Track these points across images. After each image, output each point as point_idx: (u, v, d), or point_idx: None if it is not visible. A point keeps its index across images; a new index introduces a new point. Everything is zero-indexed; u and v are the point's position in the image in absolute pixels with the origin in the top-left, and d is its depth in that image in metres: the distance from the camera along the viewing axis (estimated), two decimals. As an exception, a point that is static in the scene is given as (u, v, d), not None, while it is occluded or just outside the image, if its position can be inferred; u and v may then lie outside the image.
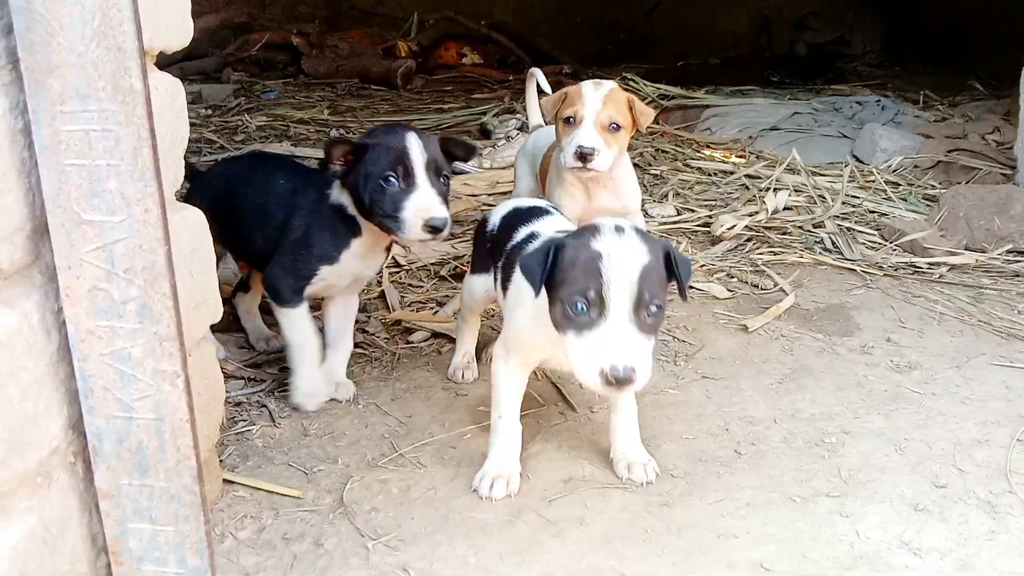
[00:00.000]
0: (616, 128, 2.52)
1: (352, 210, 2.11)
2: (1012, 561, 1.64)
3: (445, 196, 2.04)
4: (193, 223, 1.54)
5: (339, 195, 2.13)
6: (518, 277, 1.82)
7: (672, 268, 1.66)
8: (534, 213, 2.15)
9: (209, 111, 5.70)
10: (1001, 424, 2.10)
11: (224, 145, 4.82)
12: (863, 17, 8.52)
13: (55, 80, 1.03)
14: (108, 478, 1.20)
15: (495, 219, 2.22)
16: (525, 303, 1.79)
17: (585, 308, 1.57)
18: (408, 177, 2.00)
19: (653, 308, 1.58)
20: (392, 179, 2.00)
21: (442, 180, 2.04)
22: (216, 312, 1.64)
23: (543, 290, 1.66)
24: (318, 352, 2.20)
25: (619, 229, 1.64)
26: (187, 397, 1.14)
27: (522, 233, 2.05)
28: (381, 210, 2.01)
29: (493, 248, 2.16)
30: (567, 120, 2.53)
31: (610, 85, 2.57)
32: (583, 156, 2.47)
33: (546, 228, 2.03)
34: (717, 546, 1.69)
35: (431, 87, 7.03)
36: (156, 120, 1.44)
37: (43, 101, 1.03)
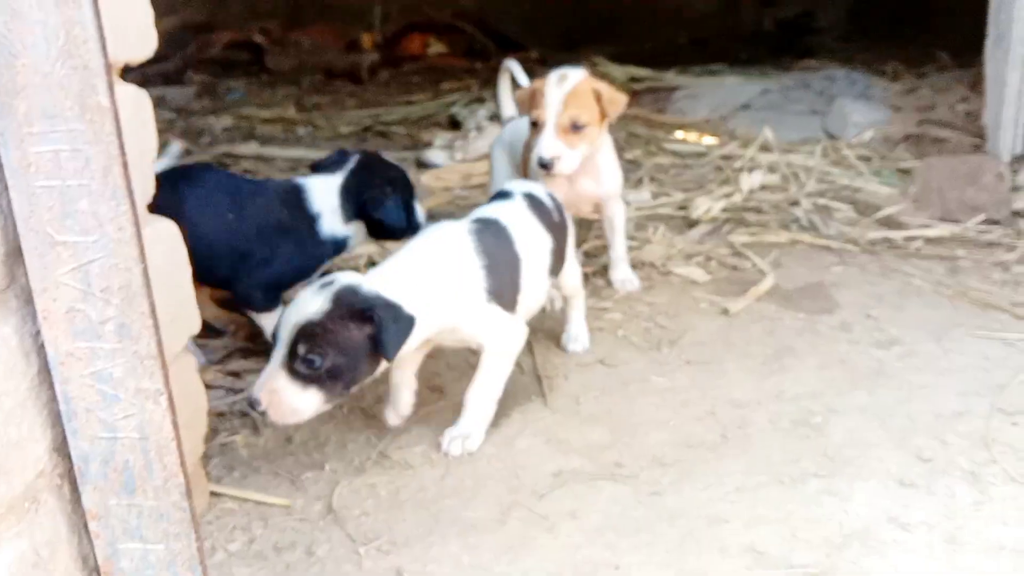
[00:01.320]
0: (579, 128, 2.51)
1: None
2: (998, 530, 1.67)
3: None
4: (166, 236, 1.51)
5: None
6: None
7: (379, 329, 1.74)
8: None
9: (174, 114, 5.62)
10: (980, 394, 2.13)
11: (191, 149, 4.75)
12: (828, -10, 8.54)
13: (21, 102, 1.00)
14: (96, 499, 1.19)
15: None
16: None
17: (273, 343, 1.76)
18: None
19: (308, 361, 1.71)
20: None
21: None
22: (194, 324, 1.62)
23: None
24: None
25: (325, 285, 1.77)
26: (171, 415, 1.13)
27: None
28: None
29: None
30: (533, 124, 2.53)
31: (576, 79, 2.54)
32: (544, 166, 2.48)
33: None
34: (709, 532, 1.71)
35: (398, 79, 6.96)
36: (123, 134, 1.41)
37: (10, 123, 1.01)
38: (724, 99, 5.08)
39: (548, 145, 2.48)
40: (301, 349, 1.69)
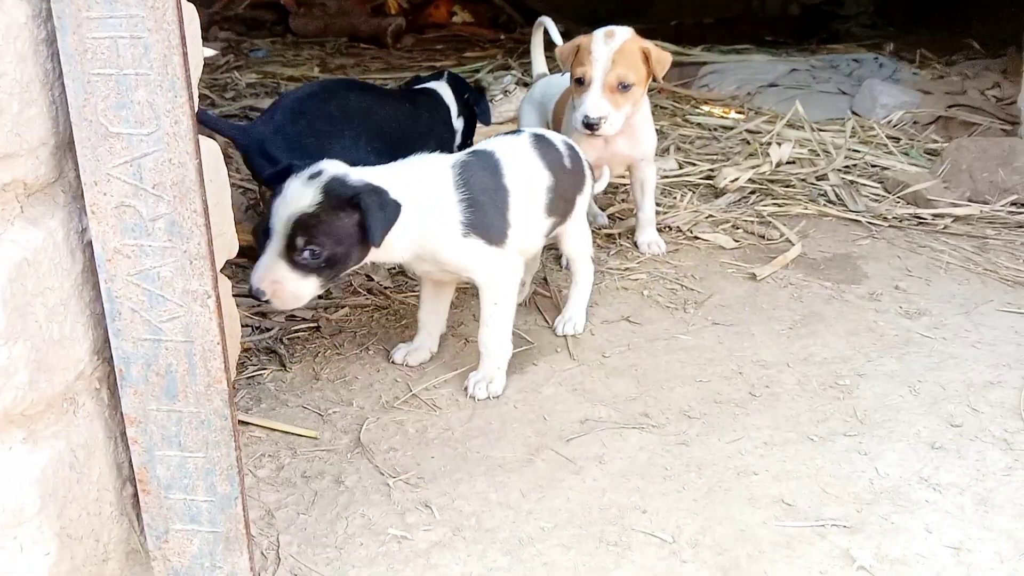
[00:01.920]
0: (626, 87, 2.47)
1: None
2: (1030, 495, 1.65)
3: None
4: (208, 152, 1.50)
5: None
6: None
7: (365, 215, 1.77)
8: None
9: (202, 68, 5.60)
10: (1012, 367, 2.11)
11: (216, 101, 4.73)
12: (856, -22, 8.45)
13: (80, -16, 0.98)
14: (135, 403, 1.18)
15: None
16: None
17: (264, 236, 1.77)
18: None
19: (306, 253, 1.74)
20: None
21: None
22: (232, 246, 1.61)
23: None
24: None
25: (314, 175, 1.77)
26: (218, 318, 1.11)
27: None
28: None
29: None
30: (578, 81, 2.49)
31: (623, 36, 2.50)
32: (589, 126, 2.44)
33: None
34: (737, 483, 1.69)
35: (421, 46, 6.92)
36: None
37: (68, 7, 0.99)
38: (751, 76, 5.02)
39: (595, 104, 2.44)
40: (299, 241, 1.73)
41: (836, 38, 7.12)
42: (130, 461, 1.24)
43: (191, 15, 1.42)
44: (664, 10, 7.94)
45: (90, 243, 1.12)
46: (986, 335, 2.28)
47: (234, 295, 2.48)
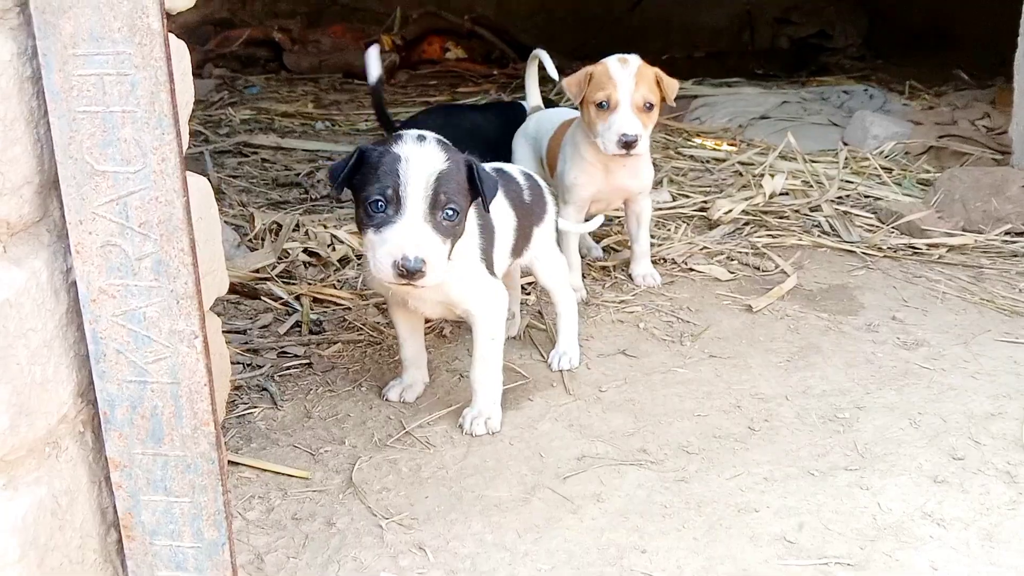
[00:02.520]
0: (650, 107, 2.49)
1: None
2: (1036, 530, 1.62)
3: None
4: (198, 190, 1.48)
5: None
6: None
7: (475, 182, 1.75)
8: None
9: (192, 105, 5.61)
10: (1012, 397, 2.09)
11: (209, 137, 4.74)
12: (844, 11, 8.57)
13: (67, 21, 0.97)
14: (120, 447, 1.15)
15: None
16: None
17: (384, 206, 1.66)
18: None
19: (449, 211, 1.68)
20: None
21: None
22: (223, 284, 1.58)
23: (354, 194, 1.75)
24: None
25: (421, 138, 1.73)
26: (205, 359, 1.09)
27: None
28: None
29: None
30: (599, 105, 2.49)
31: (637, 61, 2.51)
32: (628, 144, 2.43)
33: None
34: (738, 520, 1.66)
35: (415, 81, 6.96)
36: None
37: (54, 44, 0.98)
38: (742, 109, 5.05)
39: (630, 121, 2.43)
40: (443, 198, 1.65)
41: (825, 71, 7.19)
42: (114, 507, 1.20)
43: (180, 52, 1.42)
44: (654, 44, 8.01)
45: (75, 283, 1.10)
46: (985, 365, 2.26)
47: (225, 331, 2.46)
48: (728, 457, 1.87)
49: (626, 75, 2.46)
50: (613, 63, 2.50)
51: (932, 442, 1.91)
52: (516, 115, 3.27)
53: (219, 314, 2.57)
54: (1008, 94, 3.54)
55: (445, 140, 1.79)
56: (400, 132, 1.79)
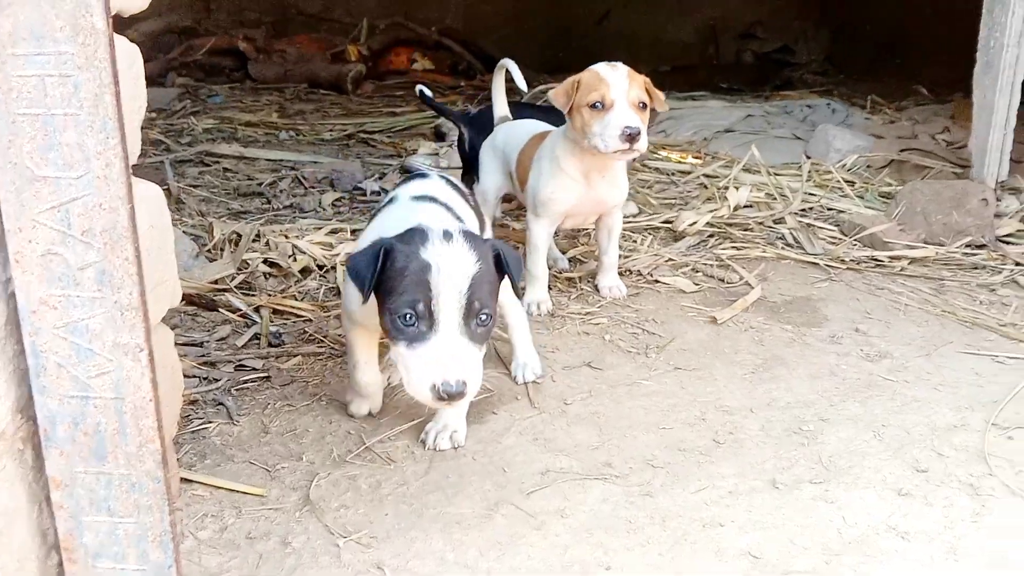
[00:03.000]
0: (644, 107, 2.47)
1: None
2: (999, 543, 1.62)
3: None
4: (150, 197, 1.43)
5: None
6: None
7: (503, 267, 1.68)
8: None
9: (154, 114, 5.51)
10: (975, 409, 2.10)
11: (170, 147, 4.66)
12: (807, 27, 8.70)
13: (5, 19, 0.92)
14: (61, 465, 1.09)
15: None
16: None
17: (415, 320, 1.55)
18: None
19: (483, 317, 1.59)
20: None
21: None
22: (175, 295, 1.53)
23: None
24: None
25: (447, 235, 1.62)
26: (151, 373, 1.04)
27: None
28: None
29: None
30: (593, 106, 2.46)
31: (624, 67, 2.50)
32: (631, 137, 2.39)
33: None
34: (703, 535, 1.64)
35: (381, 92, 6.92)
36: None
37: (-9, 43, 0.93)
38: (707, 122, 5.09)
39: (629, 115, 2.40)
40: (477, 305, 1.56)
41: (789, 85, 7.29)
42: (55, 528, 1.14)
43: (132, 55, 1.37)
44: (620, 57, 8.05)
45: (13, 294, 1.05)
46: (948, 377, 2.27)
47: (180, 344, 2.39)
48: (693, 470, 1.85)
49: (618, 76, 2.45)
50: (603, 67, 2.50)
51: (896, 454, 1.91)
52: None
53: (175, 326, 2.52)
54: (967, 108, 3.59)
55: (470, 231, 1.71)
56: (423, 228, 1.64)
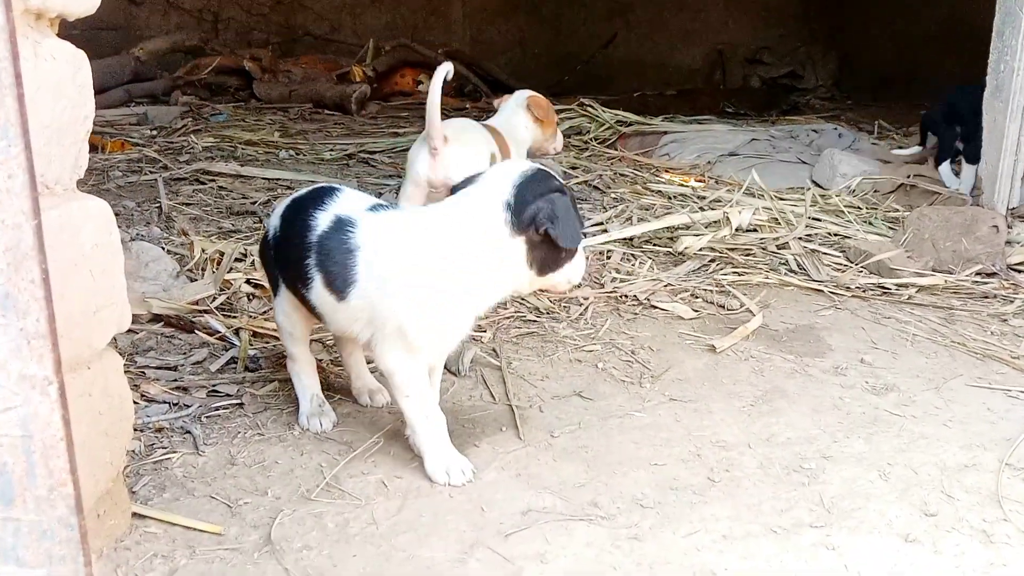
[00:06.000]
0: None
1: None
2: (1015, 596, 1.49)
3: None
4: (96, 214, 1.33)
5: None
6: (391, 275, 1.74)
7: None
8: (321, 196, 1.90)
9: (154, 132, 5.46)
10: (987, 448, 1.97)
11: (167, 164, 4.58)
12: (815, 53, 8.65)
13: (-102, 12, 0.83)
14: (-33, 510, 0.98)
15: (274, 221, 1.98)
16: (417, 296, 1.71)
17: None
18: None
19: None
20: None
21: None
22: (123, 319, 1.43)
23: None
24: None
25: None
26: (61, 409, 0.93)
27: (323, 222, 1.84)
28: None
29: (286, 252, 1.91)
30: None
31: None
32: None
33: (352, 208, 1.85)
34: (693, 584, 1.52)
35: (386, 112, 6.87)
36: (54, 94, 1.24)
37: None
38: (711, 145, 4.99)
39: None
40: None
41: (796, 110, 7.21)
42: (-35, 577, 1.03)
43: (76, 61, 1.28)
44: (628, 82, 8.02)
45: (-86, 318, 0.94)
46: (957, 412, 2.14)
47: (153, 367, 2.29)
48: (685, 511, 1.73)
49: None
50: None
51: (903, 496, 1.78)
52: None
53: (149, 349, 2.42)
54: (977, 133, 3.48)
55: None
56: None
